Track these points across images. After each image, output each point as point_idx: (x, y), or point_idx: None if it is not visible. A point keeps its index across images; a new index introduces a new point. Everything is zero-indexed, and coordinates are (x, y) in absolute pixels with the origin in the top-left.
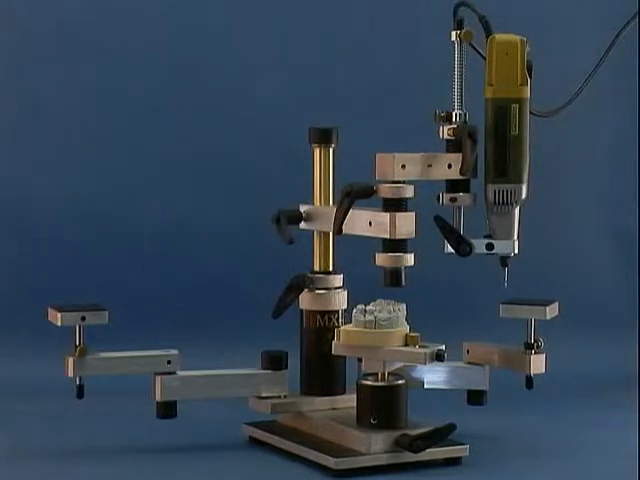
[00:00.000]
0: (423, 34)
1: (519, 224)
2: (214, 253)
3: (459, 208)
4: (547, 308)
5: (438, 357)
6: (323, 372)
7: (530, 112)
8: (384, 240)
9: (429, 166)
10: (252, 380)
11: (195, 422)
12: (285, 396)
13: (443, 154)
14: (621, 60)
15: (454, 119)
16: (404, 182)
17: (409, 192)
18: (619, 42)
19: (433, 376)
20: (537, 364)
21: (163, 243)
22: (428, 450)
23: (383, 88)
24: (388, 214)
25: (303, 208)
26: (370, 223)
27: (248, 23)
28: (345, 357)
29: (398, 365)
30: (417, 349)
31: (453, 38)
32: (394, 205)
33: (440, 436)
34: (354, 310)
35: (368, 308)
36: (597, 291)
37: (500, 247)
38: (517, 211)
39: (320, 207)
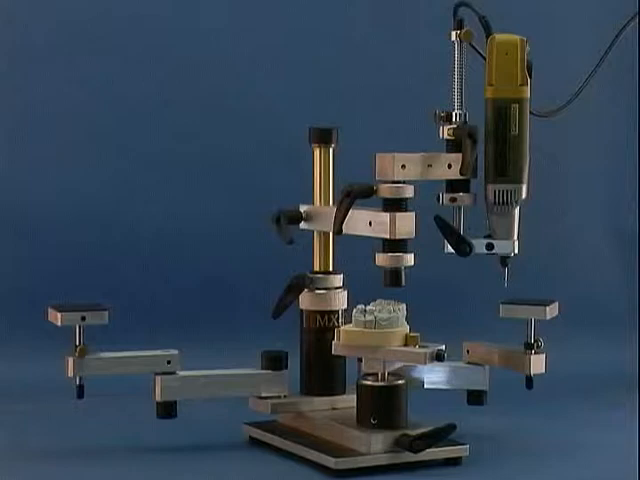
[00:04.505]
0: (423, 34)
1: (519, 224)
2: (214, 253)
3: (459, 208)
4: (547, 308)
5: (438, 357)
6: (323, 372)
7: (530, 112)
8: (384, 240)
9: (429, 166)
10: (252, 380)
11: (195, 422)
12: (285, 396)
13: (443, 154)
14: (621, 60)
15: (454, 119)
16: (404, 182)
17: (409, 192)
18: (619, 42)
19: (433, 376)
20: (537, 364)
21: (163, 243)
22: (428, 450)
23: (383, 88)
24: (388, 214)
25: (303, 208)
26: (370, 223)
27: (248, 23)
28: (345, 357)
29: (398, 365)
30: (417, 349)
31: (453, 38)
32: (394, 205)
33: (440, 436)
34: (354, 310)
35: (368, 308)
36: (597, 291)
37: (500, 247)
38: (517, 211)
39: (320, 207)
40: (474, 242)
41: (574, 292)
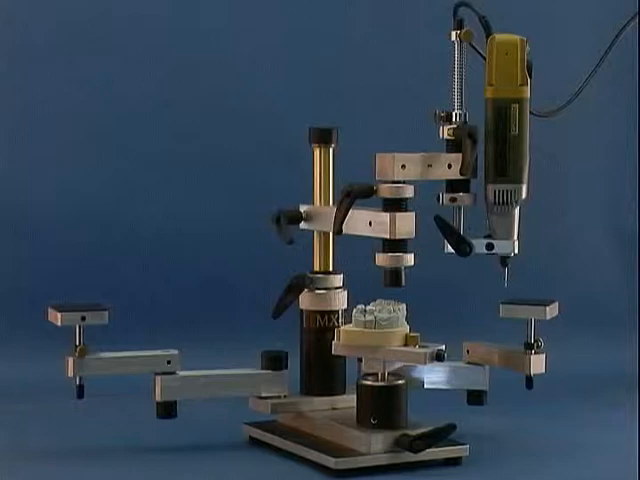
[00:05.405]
0: (423, 34)
1: (519, 224)
2: (214, 253)
3: (459, 208)
4: (547, 308)
5: (438, 357)
6: (323, 372)
7: (530, 112)
8: (384, 240)
9: (429, 166)
10: (252, 380)
11: (195, 422)
12: (285, 396)
13: (443, 154)
14: (621, 60)
15: (454, 119)
16: (404, 182)
17: (409, 192)
18: (619, 42)
19: (433, 376)
20: (537, 364)
21: (163, 243)
22: (428, 450)
23: (383, 88)
24: (388, 214)
25: (303, 208)
26: (370, 223)
27: (248, 23)
28: (345, 357)
29: (398, 365)
30: (417, 349)
31: (453, 38)
32: (394, 205)
33: (440, 436)
34: (354, 310)
35: (368, 308)
36: (597, 291)
37: (500, 247)
38: (517, 211)
39: (320, 207)
40: (474, 242)
41: (574, 292)
